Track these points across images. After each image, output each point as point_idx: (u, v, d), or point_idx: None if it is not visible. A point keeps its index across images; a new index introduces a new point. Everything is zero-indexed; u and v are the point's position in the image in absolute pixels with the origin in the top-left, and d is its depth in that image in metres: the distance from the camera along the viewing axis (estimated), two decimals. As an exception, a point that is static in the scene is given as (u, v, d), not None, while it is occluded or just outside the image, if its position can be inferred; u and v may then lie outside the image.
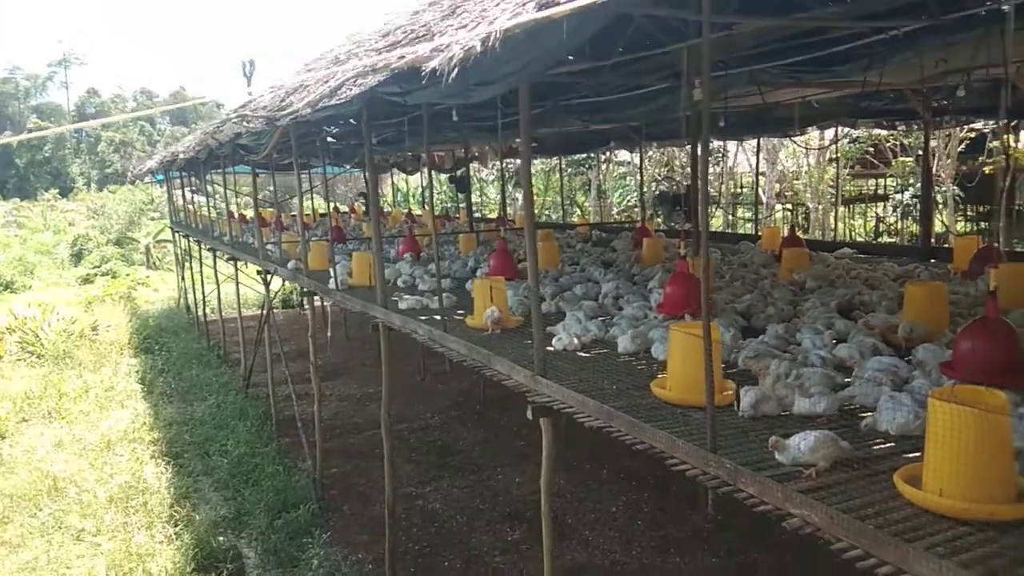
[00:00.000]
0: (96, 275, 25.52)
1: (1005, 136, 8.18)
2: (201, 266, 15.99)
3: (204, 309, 16.28)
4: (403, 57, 3.26)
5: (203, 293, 16.00)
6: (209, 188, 19.55)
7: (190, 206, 19.22)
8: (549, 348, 4.66)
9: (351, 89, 3.92)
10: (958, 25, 4.42)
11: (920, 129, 8.68)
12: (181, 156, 11.15)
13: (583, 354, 4.71)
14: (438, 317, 5.63)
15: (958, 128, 12.68)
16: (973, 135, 14.45)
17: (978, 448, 2.33)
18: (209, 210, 16.01)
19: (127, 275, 24.07)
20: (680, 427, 3.26)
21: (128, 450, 9.44)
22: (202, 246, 15.94)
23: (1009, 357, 3.37)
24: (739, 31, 4.53)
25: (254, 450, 9.17)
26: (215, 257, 14.34)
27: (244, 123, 6.50)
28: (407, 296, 6.73)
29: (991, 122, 10.59)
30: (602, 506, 7.63)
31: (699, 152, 4.80)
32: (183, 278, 19.41)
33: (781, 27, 4.55)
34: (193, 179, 18.56)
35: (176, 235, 21.21)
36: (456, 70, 2.86)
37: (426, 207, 22.10)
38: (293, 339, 13.86)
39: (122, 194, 38.22)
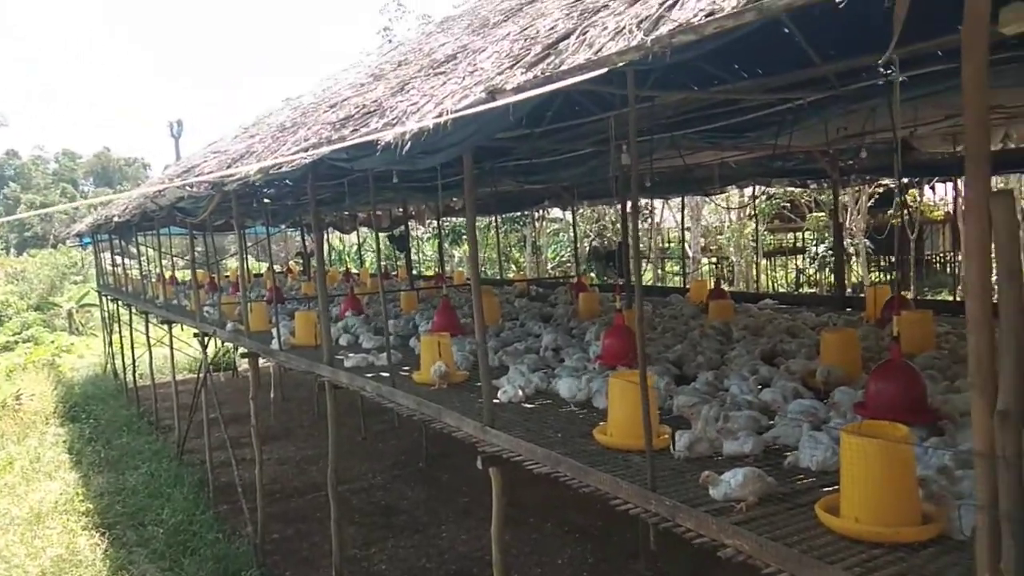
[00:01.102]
0: (16, 342, 24.49)
1: (903, 194, 8.90)
2: (131, 330, 15.64)
3: (133, 374, 15.83)
4: (356, 131, 3.49)
5: (132, 358, 15.59)
6: (134, 250, 19.22)
7: (118, 269, 18.82)
8: (495, 400, 4.85)
9: (304, 158, 4.13)
10: (856, 95, 4.94)
11: (830, 187, 9.36)
12: (116, 219, 11.05)
13: (528, 405, 4.91)
14: (385, 374, 5.76)
15: (867, 184, 13.62)
16: (882, 189, 15.53)
17: (884, 476, 2.63)
18: (141, 272, 15.71)
19: (51, 342, 23.19)
20: (622, 470, 3.49)
21: (59, 522, 9.09)
22: (132, 309, 15.61)
23: (913, 396, 3.73)
24: (660, 102, 4.96)
25: (191, 518, 8.95)
26: (147, 321, 14.06)
27: (187, 188, 6.59)
28: (352, 354, 6.83)
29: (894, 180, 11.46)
30: (548, 559, 7.73)
31: (629, 212, 5.14)
32: (110, 343, 18.86)
33: (697, 99, 4.99)
34: (122, 241, 18.24)
35: (103, 299, 20.67)
36: (408, 145, 3.12)
37: (364, 265, 22.16)
38: (228, 402, 13.60)
39: (43, 258, 36.96)
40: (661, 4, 2.08)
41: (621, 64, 2.11)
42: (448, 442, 4.78)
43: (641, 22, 2.07)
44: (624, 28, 2.14)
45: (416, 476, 10.41)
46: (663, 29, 1.92)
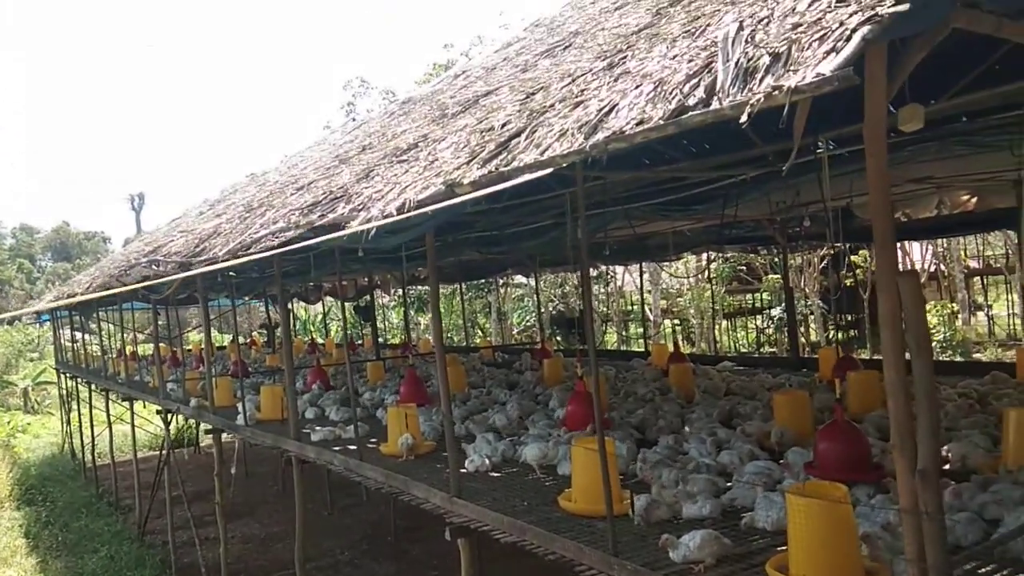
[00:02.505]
0: (-32, 423, 23.71)
1: (847, 259, 9.30)
2: (91, 408, 15.35)
3: (92, 454, 15.46)
4: (324, 216, 3.68)
5: (92, 437, 15.26)
6: (94, 325, 18.99)
7: (78, 344, 18.52)
8: (463, 470, 4.94)
9: (272, 240, 4.29)
10: (793, 171, 5.29)
11: (780, 253, 9.77)
12: (80, 296, 11.01)
13: (494, 474, 5.01)
14: (352, 447, 5.82)
15: (815, 248, 14.15)
16: (833, 251, 16.12)
17: (827, 535, 2.80)
18: (102, 349, 15.52)
19: (7, 422, 22.51)
20: (586, 536, 3.60)
21: (14, 612, 8.79)
22: (92, 386, 15.34)
23: (857, 455, 3.93)
24: (612, 180, 5.25)
25: (153, 602, 8.73)
26: (107, 398, 13.84)
27: (154, 267, 6.69)
28: (319, 428, 6.86)
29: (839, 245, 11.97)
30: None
31: (583, 283, 5.38)
32: (68, 421, 18.43)
33: (645, 177, 5.31)
34: (81, 317, 18.04)
35: (61, 376, 20.26)
36: (374, 230, 3.31)
37: (329, 335, 22.11)
38: (190, 479, 13.34)
39: (-3, 335, 36.10)
40: (599, 111, 2.33)
41: (565, 164, 2.34)
42: (417, 515, 4.82)
43: (582, 126, 2.31)
44: (568, 131, 2.38)
45: (385, 551, 10.28)
46: (600, 135, 2.15)
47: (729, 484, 4.17)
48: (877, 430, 4.84)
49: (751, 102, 1.73)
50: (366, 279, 15.53)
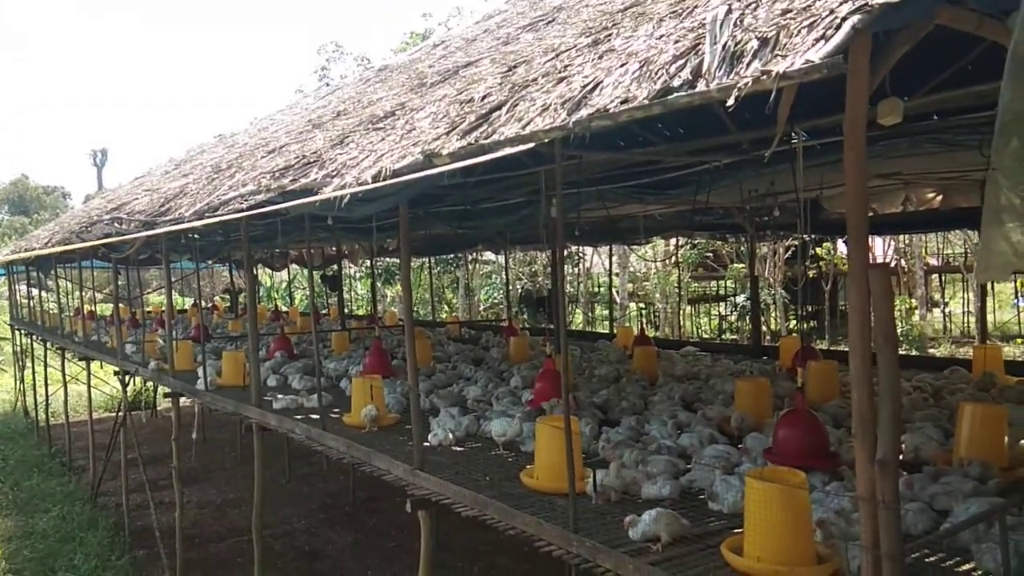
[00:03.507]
0: (-85, 377, 23.09)
1: (812, 250, 9.44)
2: (45, 367, 15.02)
3: (47, 412, 15.17)
4: (296, 180, 3.61)
5: (46, 395, 14.96)
6: (51, 283, 18.54)
7: (34, 301, 18.10)
8: (426, 443, 4.94)
9: (240, 203, 4.21)
10: (768, 159, 5.33)
11: (748, 241, 9.88)
12: (39, 251, 10.72)
13: (457, 448, 5.02)
14: (314, 416, 5.78)
15: (782, 239, 14.35)
16: (797, 243, 16.37)
17: (783, 519, 2.85)
18: (59, 307, 15.18)
19: (-45, 377, 21.98)
20: (547, 512, 3.63)
21: (-41, 570, 8.62)
22: (47, 344, 15.02)
23: (815, 443, 4.01)
24: (587, 160, 5.24)
25: (105, 564, 8.62)
26: (63, 357, 13.55)
27: (116, 224, 6.53)
28: (280, 396, 6.80)
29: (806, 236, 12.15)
30: (474, 602, 7.75)
31: (556, 262, 5.37)
32: (21, 379, 18.04)
33: (621, 159, 5.30)
34: (39, 273, 17.60)
35: (16, 332, 19.79)
36: (347, 197, 3.26)
37: (294, 304, 21.89)
38: (146, 443, 13.16)
39: (-52, 288, 35.07)
40: (583, 87, 2.30)
41: (547, 140, 2.32)
42: (376, 486, 4.83)
43: (565, 102, 2.28)
44: (550, 106, 2.35)
45: (343, 520, 10.28)
46: (583, 112, 2.13)
47: (689, 466, 4.23)
48: (833, 419, 4.95)
49: (739, 86, 1.72)
50: (334, 248, 15.37)
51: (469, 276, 24.13)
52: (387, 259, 20.35)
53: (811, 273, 15.58)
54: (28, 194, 74.11)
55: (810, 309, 16.88)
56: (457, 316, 21.20)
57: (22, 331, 18.44)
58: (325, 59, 27.06)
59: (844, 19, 1.72)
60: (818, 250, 15.87)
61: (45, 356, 15.03)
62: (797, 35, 1.80)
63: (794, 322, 17.69)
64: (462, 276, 24.23)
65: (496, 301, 23.20)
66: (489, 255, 22.68)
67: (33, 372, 15.78)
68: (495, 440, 4.99)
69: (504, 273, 15.90)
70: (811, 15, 1.86)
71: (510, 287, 16.81)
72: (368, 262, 17.94)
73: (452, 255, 21.63)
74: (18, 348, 18.95)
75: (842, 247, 17.50)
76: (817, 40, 1.72)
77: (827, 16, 1.78)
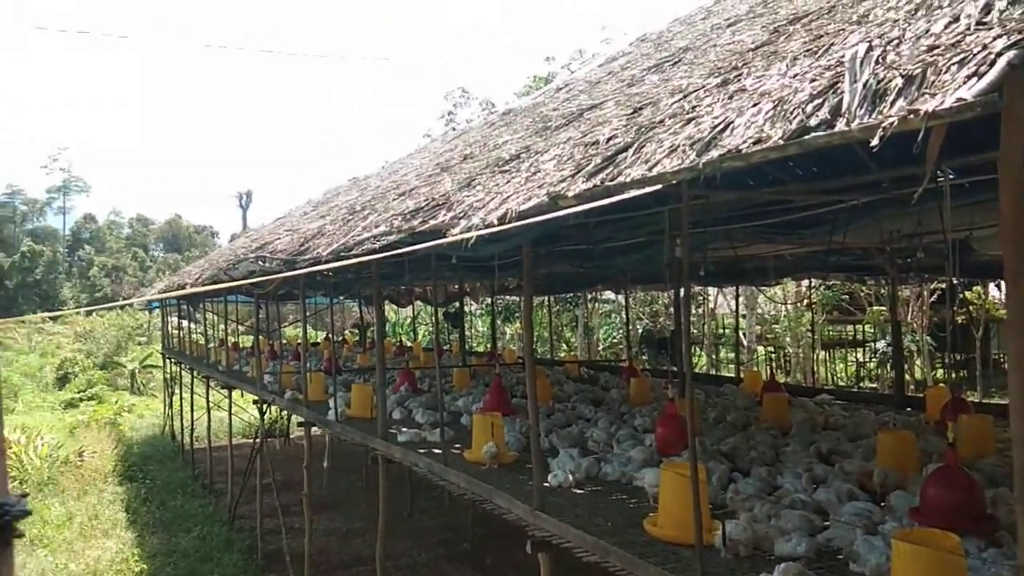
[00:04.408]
0: (81, 399, 25.38)
1: (959, 294, 8.79)
2: (192, 393, 16.12)
3: (191, 437, 16.25)
4: (425, 222, 3.74)
5: (191, 420, 16.04)
6: (198, 315, 19.98)
7: (183, 332, 19.53)
8: (545, 484, 4.91)
9: (373, 243, 4.40)
10: (909, 198, 5.03)
11: (888, 284, 9.31)
12: (189, 288, 11.61)
13: (577, 491, 4.96)
14: (436, 451, 5.88)
15: (926, 281, 13.44)
16: (944, 285, 15.25)
17: (934, 585, 2.63)
18: (206, 338, 16.32)
19: (114, 401, 23.98)
20: (672, 563, 3.51)
21: (113, 582, 9.31)
22: (194, 373, 16.13)
23: (969, 504, 3.68)
24: (714, 199, 5.13)
25: (239, 585, 9.07)
26: (208, 385, 14.51)
27: (260, 262, 6.96)
28: (405, 429, 6.98)
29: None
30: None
31: (682, 306, 5.26)
32: (170, 404, 19.43)
33: (750, 197, 5.15)
34: (189, 306, 19.02)
35: (167, 361, 21.39)
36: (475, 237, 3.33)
37: (417, 339, 22.53)
38: (280, 469, 13.80)
39: (111, 318, 38.49)
40: (713, 128, 2.27)
41: (674, 181, 2.29)
42: (493, 523, 4.83)
43: (694, 144, 2.26)
44: (678, 147, 2.33)
45: (461, 557, 10.34)
46: (714, 153, 2.10)
47: (826, 523, 3.99)
48: (989, 479, 4.53)
49: (883, 125, 1.64)
50: (456, 286, 15.74)
51: (588, 315, 24.02)
52: (507, 297, 20.62)
53: (960, 318, 14.46)
54: (181, 233, 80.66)
55: (959, 357, 15.65)
56: (576, 355, 21.12)
57: (172, 360, 19.92)
58: (452, 104, 28.05)
59: (999, 55, 1.61)
60: (967, 294, 14.75)
61: (192, 384, 16.14)
62: (946, 72, 1.71)
63: (941, 371, 16.45)
64: (581, 315, 24.15)
65: (615, 341, 22.94)
66: (609, 294, 22.52)
67: (180, 398, 16.96)
68: (647, 492, 4.63)
69: (624, 312, 15.72)
70: (961, 51, 1.76)
71: (630, 327, 16.59)
72: (488, 299, 18.23)
73: (572, 294, 21.63)
74: (168, 375, 20.46)
75: (994, 291, 16.22)
76: (969, 77, 1.62)
77: (979, 52, 1.68)
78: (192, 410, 15.96)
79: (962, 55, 1.74)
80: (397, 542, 10.62)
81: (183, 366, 17.57)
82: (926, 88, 1.71)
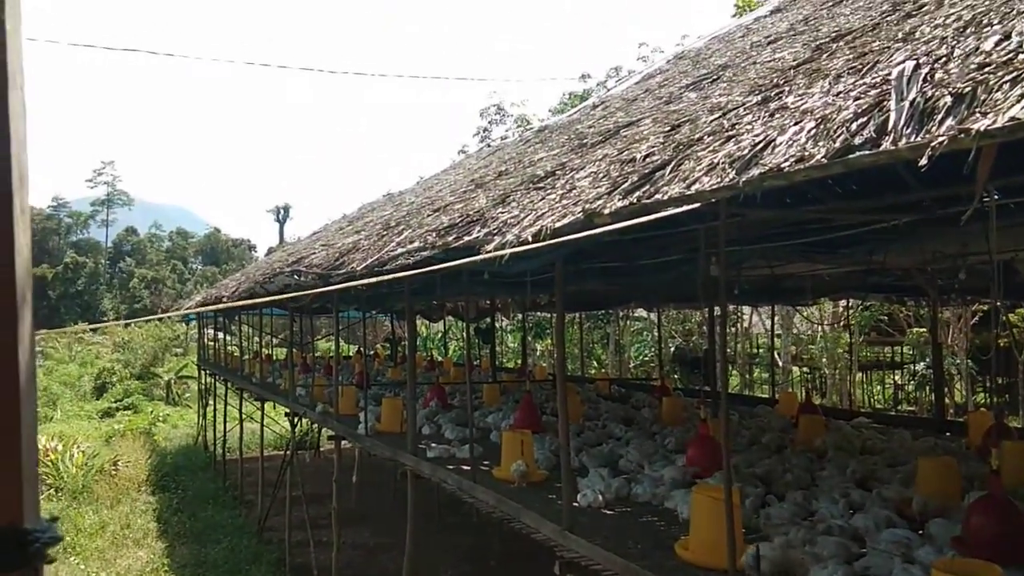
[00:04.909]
0: (117, 409, 25.82)
1: (1004, 317, 8.57)
2: (225, 405, 16.30)
3: (224, 448, 16.42)
4: (460, 238, 3.74)
5: (224, 431, 16.20)
6: (233, 327, 20.23)
7: (218, 344, 19.80)
8: (575, 504, 4.85)
9: (407, 259, 4.41)
10: (953, 218, 4.91)
11: (929, 305, 9.11)
12: (226, 300, 11.78)
13: (607, 511, 4.89)
14: (465, 467, 5.86)
15: (968, 303, 13.12)
16: (987, 307, 14.87)
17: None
18: (241, 350, 16.53)
19: (150, 411, 24.35)
20: (703, 588, 3.44)
21: (143, 591, 9.40)
22: (228, 384, 16.32)
23: (1014, 534, 3.55)
24: (751, 217, 5.06)
25: (267, 598, 9.09)
26: (241, 397, 14.66)
27: (295, 276, 7.03)
28: (434, 444, 6.97)
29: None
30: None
31: (716, 324, 5.20)
32: (203, 415, 19.67)
33: (788, 216, 5.08)
34: (225, 319, 19.29)
35: (202, 372, 21.68)
36: (508, 254, 3.32)
37: (448, 354, 22.57)
38: (309, 481, 13.87)
39: (148, 329, 39.15)
40: (753, 145, 2.24)
41: (713, 200, 2.26)
42: (519, 542, 4.79)
43: (734, 161, 2.22)
44: (717, 165, 2.30)
45: (488, 574, 10.26)
46: (754, 171, 2.06)
47: (863, 550, 3.88)
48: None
49: (932, 144, 1.60)
50: (488, 301, 15.75)
51: (620, 332, 23.86)
52: (538, 313, 20.57)
53: (1002, 342, 14.08)
54: (219, 246, 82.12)
55: (1001, 381, 15.23)
56: (607, 372, 20.97)
57: (207, 371, 20.18)
58: (487, 121, 28.23)
59: (1055, 71, 1.56)
60: (1011, 316, 14.36)
61: (226, 395, 16.33)
62: (998, 90, 1.66)
63: (982, 395, 16.02)
64: (612, 332, 24.00)
65: (647, 359, 22.74)
66: (641, 312, 22.35)
67: (214, 409, 17.16)
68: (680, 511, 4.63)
69: (656, 330, 15.58)
70: (1014, 69, 1.71)
71: (662, 345, 16.44)
72: (519, 315, 18.21)
73: (603, 311, 21.52)
74: (203, 386, 20.72)
75: (1039, 314, 15.75)
76: (1022, 96, 1.57)
77: (1034, 69, 1.63)
78: (225, 421, 16.12)
79: (1015, 73, 1.69)
80: (425, 557, 10.55)
81: (217, 377, 17.79)
82: (976, 107, 1.66)
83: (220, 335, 20.64)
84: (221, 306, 12.01)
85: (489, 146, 20.22)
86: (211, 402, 18.03)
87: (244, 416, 14.98)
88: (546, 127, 9.84)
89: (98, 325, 40.72)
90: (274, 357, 18.40)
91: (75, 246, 73.66)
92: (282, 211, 72.28)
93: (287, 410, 11.06)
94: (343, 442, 9.17)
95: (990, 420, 6.80)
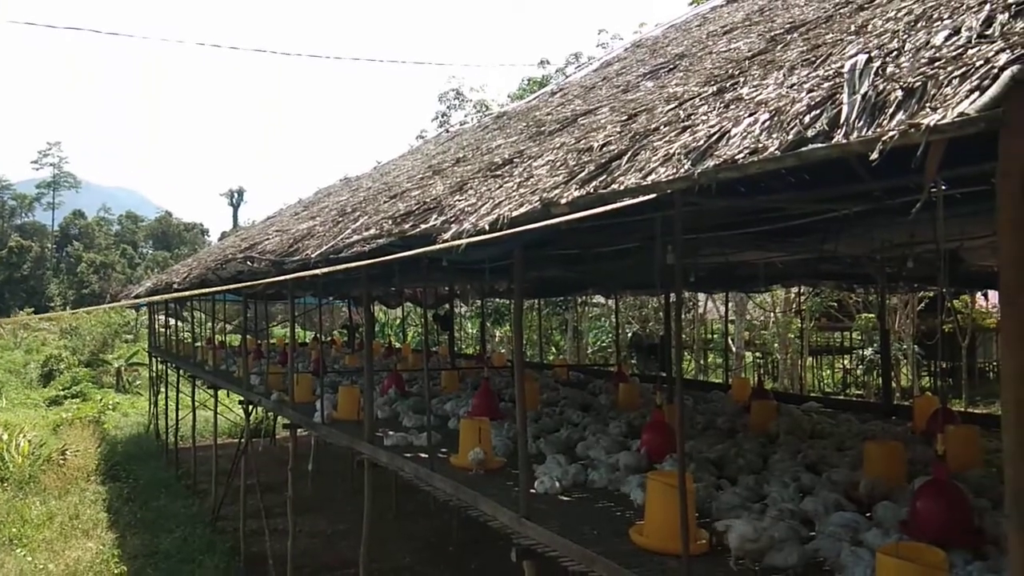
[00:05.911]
0: (65, 397, 25.14)
1: (950, 303, 8.83)
2: (177, 392, 15.98)
3: (176, 436, 16.10)
4: (416, 226, 3.70)
5: (176, 419, 15.89)
6: (185, 313, 19.83)
7: (170, 331, 19.37)
8: (532, 491, 4.87)
9: (363, 247, 4.35)
10: (902, 208, 5.03)
11: (878, 293, 9.34)
12: (177, 287, 11.52)
13: (564, 497, 4.92)
14: (423, 455, 5.83)
15: (915, 291, 13.50)
16: (932, 294, 15.33)
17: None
18: (192, 337, 16.20)
19: (99, 399, 23.75)
20: (657, 572, 3.48)
21: (92, 583, 9.19)
22: (180, 372, 15.99)
23: (958, 517, 3.67)
24: (706, 207, 5.11)
25: (221, 587, 8.97)
26: (194, 384, 14.39)
27: (248, 263, 6.90)
28: (391, 432, 6.92)
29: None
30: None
31: (672, 311, 5.25)
32: (155, 403, 19.26)
33: (742, 206, 5.13)
34: (176, 305, 18.87)
35: (153, 359, 21.21)
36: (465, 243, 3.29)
37: (406, 340, 22.45)
38: (264, 470, 13.69)
39: (97, 315, 38.12)
40: (709, 137, 2.24)
41: (669, 191, 2.26)
42: (478, 528, 4.81)
43: (689, 152, 2.23)
44: (673, 156, 2.30)
45: (447, 561, 10.28)
46: (709, 163, 2.07)
47: (812, 533, 3.97)
48: (975, 490, 4.52)
49: (883, 139, 1.62)
50: (446, 288, 15.67)
51: (578, 319, 24.00)
52: (496, 300, 20.57)
53: (947, 328, 14.53)
54: (171, 231, 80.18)
55: (946, 366, 15.73)
56: (565, 359, 21.09)
57: (158, 358, 19.75)
58: (446, 106, 28.00)
59: (1002, 69, 1.59)
60: (955, 303, 14.82)
61: (178, 383, 16.00)
62: (948, 85, 1.68)
63: (927, 379, 16.54)
64: (571, 319, 24.14)
65: (604, 345, 22.93)
66: (598, 298, 22.51)
67: (166, 397, 16.81)
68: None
69: (614, 317, 15.71)
70: (963, 64, 1.74)
71: (619, 331, 16.58)
72: (478, 302, 18.19)
73: (561, 297, 21.61)
74: (154, 374, 20.27)
75: (982, 300, 16.28)
76: (971, 91, 1.60)
77: (982, 66, 1.66)
78: (177, 409, 15.81)
79: (964, 68, 1.71)
80: (382, 545, 10.54)
81: (169, 364, 17.43)
82: (927, 101, 1.69)
83: (172, 321, 20.20)
84: (172, 295, 11.74)
85: (448, 131, 20.07)
86: (163, 390, 17.66)
87: (197, 404, 14.70)
88: (504, 113, 9.79)
89: (48, 316, 39.55)
90: (228, 344, 18.08)
91: (20, 229, 71.27)
92: (236, 195, 70.77)
93: (241, 398, 10.87)
94: (299, 430, 9.07)
95: (935, 404, 7.01)
